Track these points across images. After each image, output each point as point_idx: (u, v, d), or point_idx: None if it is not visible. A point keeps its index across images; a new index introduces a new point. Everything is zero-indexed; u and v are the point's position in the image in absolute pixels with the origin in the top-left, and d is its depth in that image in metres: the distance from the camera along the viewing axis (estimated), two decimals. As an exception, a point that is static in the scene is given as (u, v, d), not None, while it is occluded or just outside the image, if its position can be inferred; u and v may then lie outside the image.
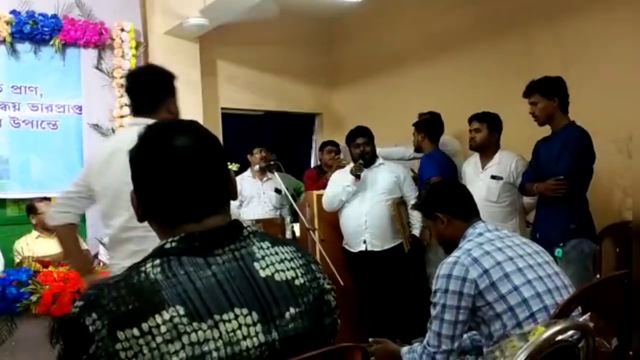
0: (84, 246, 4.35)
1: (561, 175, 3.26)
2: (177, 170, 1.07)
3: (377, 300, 4.22)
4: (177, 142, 1.09)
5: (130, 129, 2.13)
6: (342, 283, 3.86)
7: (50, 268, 3.25)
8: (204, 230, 1.07)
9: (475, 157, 3.93)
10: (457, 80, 4.87)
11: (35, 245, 4.25)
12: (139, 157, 1.12)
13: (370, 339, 2.32)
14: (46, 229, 4.43)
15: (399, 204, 4.22)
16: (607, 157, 3.51)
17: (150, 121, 1.36)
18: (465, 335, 2.20)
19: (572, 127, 3.37)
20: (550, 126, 3.46)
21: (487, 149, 3.83)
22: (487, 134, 3.83)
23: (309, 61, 6.40)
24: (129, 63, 5.04)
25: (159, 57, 5.24)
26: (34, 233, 4.44)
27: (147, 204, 1.12)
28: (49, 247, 4.29)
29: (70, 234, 2.48)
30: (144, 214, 1.14)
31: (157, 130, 1.14)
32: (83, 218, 4.93)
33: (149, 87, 2.29)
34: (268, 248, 1.13)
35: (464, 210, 2.19)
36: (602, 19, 4.04)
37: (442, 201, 2.23)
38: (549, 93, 3.40)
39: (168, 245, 1.05)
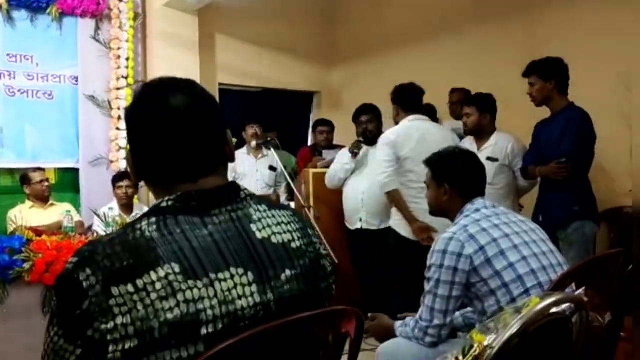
0: (77, 217, 4.34)
1: (563, 157, 3.26)
2: (171, 129, 1.06)
3: (372, 277, 4.24)
4: (172, 101, 1.07)
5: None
6: (336, 261, 3.86)
7: (44, 237, 3.22)
8: (202, 190, 1.06)
9: (470, 139, 3.92)
10: (459, 60, 4.84)
11: (29, 215, 4.23)
12: (133, 115, 1.11)
13: (370, 314, 2.33)
14: (40, 200, 4.42)
15: None
16: (607, 141, 3.50)
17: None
18: (457, 313, 2.21)
19: (572, 109, 3.36)
20: (548, 108, 3.45)
21: (481, 131, 3.80)
22: (478, 117, 3.81)
23: (308, 39, 6.35)
24: (127, 34, 5.00)
25: (157, 29, 5.19)
26: (28, 203, 4.42)
27: (142, 163, 1.11)
28: (43, 217, 4.28)
29: (398, 195, 3.62)
30: (139, 173, 1.13)
31: (152, 89, 1.11)
32: (77, 189, 5.00)
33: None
34: (265, 211, 1.12)
35: (471, 191, 2.16)
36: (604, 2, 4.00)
37: (455, 175, 2.17)
38: (546, 75, 3.38)
39: (164, 204, 1.04)
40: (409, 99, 3.88)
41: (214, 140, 1.11)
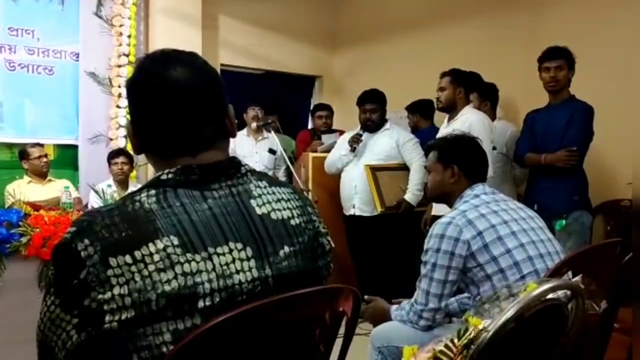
0: (75, 194, 4.33)
1: (570, 145, 3.26)
2: (170, 101, 1.05)
3: (367, 263, 4.25)
4: (173, 72, 1.06)
5: None
6: (332, 245, 3.86)
7: (42, 212, 3.21)
8: (202, 164, 1.05)
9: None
10: (462, 48, 4.81)
11: (27, 190, 4.22)
12: (134, 86, 1.10)
13: (365, 297, 2.33)
14: (38, 175, 4.41)
15: (377, 168, 4.15)
16: (606, 135, 3.50)
17: None
18: (452, 299, 2.22)
19: (577, 100, 3.36)
20: (554, 96, 3.43)
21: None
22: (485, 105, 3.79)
23: (312, 23, 6.30)
24: (129, 11, 4.96)
25: (160, 6, 5.15)
26: (26, 178, 4.41)
27: (142, 135, 1.10)
28: (41, 192, 4.27)
29: None
30: (140, 145, 1.12)
31: (153, 60, 1.10)
32: (76, 166, 4.98)
33: None
34: (265, 187, 1.11)
35: (477, 174, 2.17)
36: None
37: (464, 156, 2.17)
38: (571, 63, 3.37)
39: (164, 177, 1.04)
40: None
41: (214, 114, 1.10)
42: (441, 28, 5.15)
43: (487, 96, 3.91)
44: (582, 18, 4.06)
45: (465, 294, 2.20)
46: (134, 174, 4.69)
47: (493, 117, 3.82)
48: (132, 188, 4.38)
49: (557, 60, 3.36)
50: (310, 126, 6.22)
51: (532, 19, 4.43)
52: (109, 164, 4.47)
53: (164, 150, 1.08)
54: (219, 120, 1.11)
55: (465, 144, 2.21)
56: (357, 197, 4.21)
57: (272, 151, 5.10)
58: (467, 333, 1.24)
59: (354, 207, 4.24)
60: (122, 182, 4.46)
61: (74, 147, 4.97)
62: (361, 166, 4.19)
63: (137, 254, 0.94)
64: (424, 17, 5.33)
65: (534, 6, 4.43)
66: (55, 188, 4.37)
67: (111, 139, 4.96)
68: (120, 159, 4.42)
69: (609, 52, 3.76)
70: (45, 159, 4.44)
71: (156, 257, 0.94)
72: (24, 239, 2.98)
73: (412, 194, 4.11)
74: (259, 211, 1.06)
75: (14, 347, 2.51)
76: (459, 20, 4.99)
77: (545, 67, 3.39)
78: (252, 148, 5.06)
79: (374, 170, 4.13)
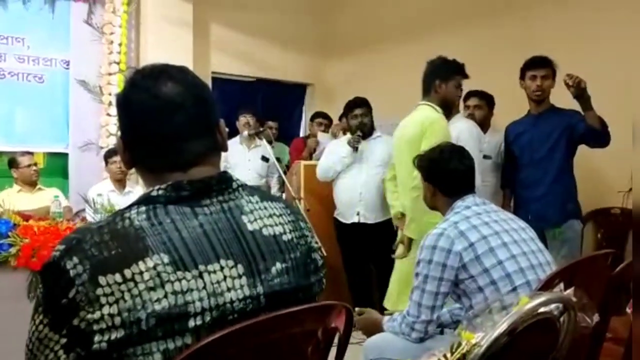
0: (65, 203, 4.30)
1: (559, 153, 3.27)
2: (161, 117, 1.05)
3: (364, 272, 4.24)
4: (164, 88, 1.05)
5: None
6: (325, 254, 3.85)
7: (31, 222, 3.18)
8: (193, 180, 1.04)
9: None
10: (456, 56, 4.81)
11: (16, 199, 4.17)
12: (124, 102, 1.09)
13: (357, 309, 2.33)
14: (27, 184, 4.38)
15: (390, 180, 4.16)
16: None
17: None
18: (444, 309, 2.22)
19: (560, 109, 3.37)
20: (537, 105, 3.44)
21: (483, 127, 3.79)
22: (487, 111, 3.81)
23: (304, 31, 6.31)
24: (120, 19, 4.95)
25: (151, 15, 5.15)
26: (16, 187, 4.38)
27: (132, 150, 1.10)
28: (30, 201, 4.24)
29: None
30: (131, 160, 1.11)
31: (144, 76, 1.09)
32: (66, 175, 4.95)
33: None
34: (257, 202, 1.10)
35: (455, 189, 2.16)
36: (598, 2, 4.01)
37: (437, 174, 2.20)
38: (554, 74, 3.39)
39: (155, 193, 1.03)
40: None
41: (205, 129, 1.09)
42: (432, 38, 5.17)
43: (492, 106, 3.93)
44: (571, 29, 4.08)
45: (457, 305, 2.20)
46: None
47: (488, 125, 3.84)
48: (129, 188, 4.37)
49: (544, 69, 3.38)
50: (303, 134, 6.23)
51: (522, 29, 4.46)
52: (107, 162, 4.42)
53: (155, 165, 1.08)
54: (210, 135, 1.11)
55: (443, 161, 2.20)
56: (361, 204, 4.18)
57: (265, 159, 5.08)
58: (460, 347, 1.24)
59: (357, 214, 4.21)
60: (121, 182, 4.43)
61: (64, 156, 4.95)
62: (364, 172, 4.16)
63: (127, 272, 0.93)
64: (415, 26, 5.35)
65: (524, 16, 4.46)
66: (45, 197, 4.33)
67: (101, 147, 4.93)
68: (119, 158, 4.38)
69: (597, 62, 3.79)
70: (35, 168, 4.41)
71: (146, 276, 0.93)
72: (13, 250, 2.95)
73: None
74: (250, 227, 1.06)
75: (2, 358, 2.48)
76: (450, 30, 5.02)
77: (532, 75, 3.39)
78: (245, 156, 5.04)
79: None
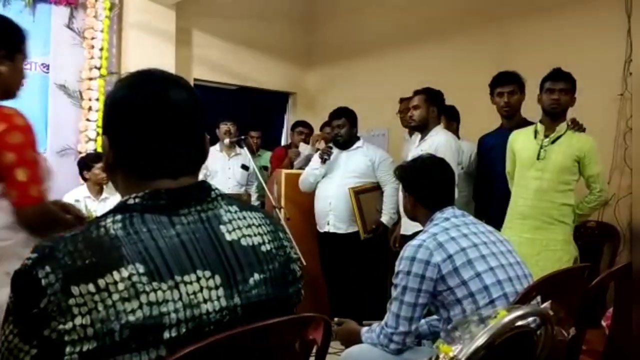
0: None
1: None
2: (165, 120, 1.02)
3: (339, 281, 4.24)
4: (172, 94, 1.04)
5: None
6: (304, 263, 3.84)
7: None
8: (170, 188, 1.02)
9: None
10: (435, 68, 4.86)
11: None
12: (123, 100, 1.05)
13: (336, 319, 2.32)
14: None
15: (360, 191, 4.16)
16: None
17: None
18: (422, 321, 2.22)
19: (531, 122, 3.41)
20: (508, 121, 3.49)
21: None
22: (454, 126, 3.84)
23: (286, 40, 6.32)
24: (102, 24, 4.91)
25: (133, 20, 5.11)
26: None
27: (123, 153, 1.05)
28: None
29: None
30: (115, 162, 1.06)
31: (145, 78, 1.07)
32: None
33: None
34: (236, 212, 1.09)
35: (435, 201, 2.17)
36: (575, 17, 4.07)
37: (417, 186, 2.21)
38: (522, 87, 3.44)
39: (131, 201, 1.01)
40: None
41: (200, 138, 1.09)
42: (412, 49, 5.22)
43: (453, 117, 3.97)
44: (549, 42, 4.14)
45: (435, 316, 2.20)
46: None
47: (458, 137, 3.87)
48: (105, 194, 4.30)
49: (510, 85, 3.44)
50: (284, 142, 6.22)
51: (500, 41, 4.52)
52: (88, 168, 4.29)
53: (144, 169, 1.04)
54: (202, 144, 1.09)
55: (421, 171, 2.22)
56: (331, 214, 4.21)
57: (245, 167, 5.07)
58: (438, 360, 1.24)
59: (328, 224, 4.24)
60: (99, 187, 4.35)
61: (42, 160, 4.86)
62: (336, 182, 4.19)
63: (101, 282, 0.91)
64: (396, 37, 5.39)
65: (502, 28, 4.52)
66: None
67: (80, 152, 4.87)
68: (101, 164, 4.31)
69: (574, 74, 3.85)
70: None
71: (120, 286, 0.91)
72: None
73: (388, 217, 4.13)
74: (228, 237, 1.04)
75: None
76: (430, 42, 5.07)
77: (499, 92, 3.46)
78: (225, 164, 5.03)
79: (357, 194, 4.12)
